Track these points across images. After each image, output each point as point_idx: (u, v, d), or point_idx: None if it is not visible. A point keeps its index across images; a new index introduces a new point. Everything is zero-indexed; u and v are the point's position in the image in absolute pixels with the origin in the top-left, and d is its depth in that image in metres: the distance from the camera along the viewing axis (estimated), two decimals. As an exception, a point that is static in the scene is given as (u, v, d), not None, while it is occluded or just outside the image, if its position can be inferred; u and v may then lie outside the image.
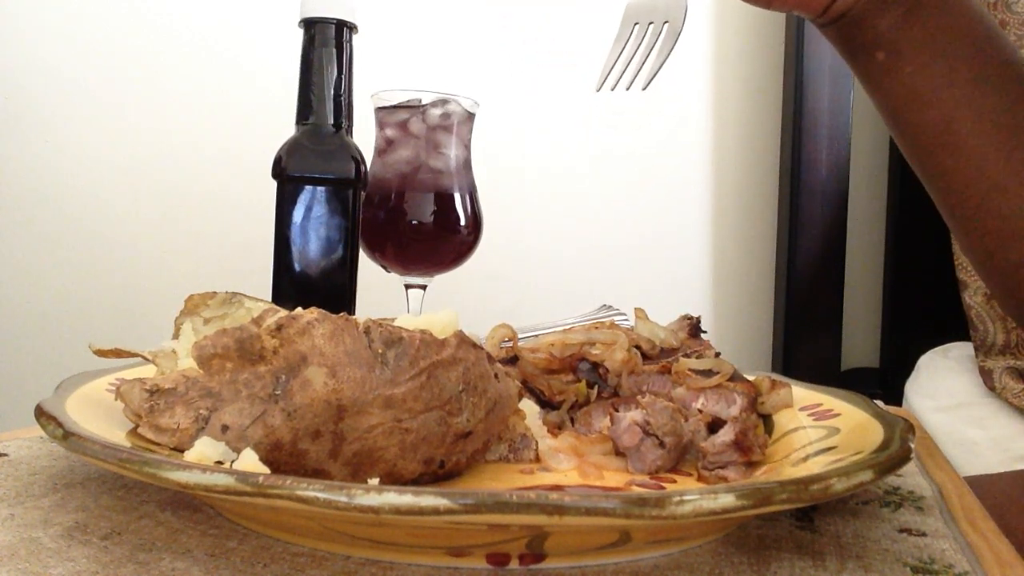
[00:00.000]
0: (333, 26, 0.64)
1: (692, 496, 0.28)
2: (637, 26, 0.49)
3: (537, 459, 0.43)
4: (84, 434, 0.33)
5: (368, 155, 0.72)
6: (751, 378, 0.51)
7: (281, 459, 0.34)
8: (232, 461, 0.34)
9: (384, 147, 0.76)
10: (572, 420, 0.49)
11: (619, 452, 0.44)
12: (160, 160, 1.19)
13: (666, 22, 0.49)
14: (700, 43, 1.24)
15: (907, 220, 1.19)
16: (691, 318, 0.55)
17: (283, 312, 0.36)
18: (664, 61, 0.48)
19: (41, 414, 0.35)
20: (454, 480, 0.39)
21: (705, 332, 0.56)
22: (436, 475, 0.38)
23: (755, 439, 0.43)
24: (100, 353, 0.43)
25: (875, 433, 0.39)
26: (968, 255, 0.55)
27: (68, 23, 1.18)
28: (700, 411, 0.46)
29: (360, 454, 0.35)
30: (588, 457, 0.43)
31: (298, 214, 0.63)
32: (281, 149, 0.64)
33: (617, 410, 0.44)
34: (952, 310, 1.03)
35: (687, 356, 0.51)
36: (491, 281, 1.13)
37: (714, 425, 0.45)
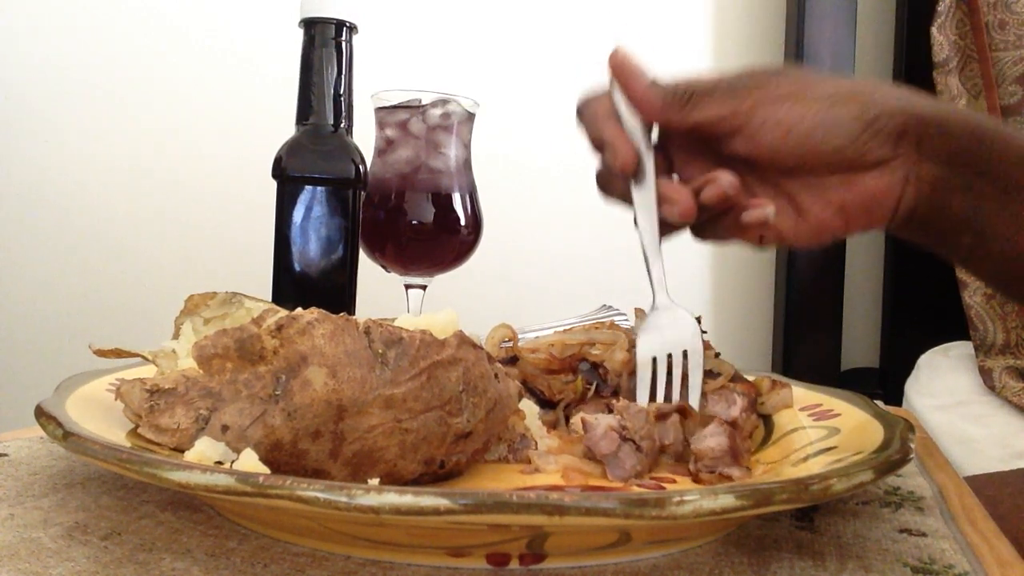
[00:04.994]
0: (333, 26, 0.64)
1: (692, 496, 0.28)
2: (656, 359, 0.49)
3: (528, 459, 0.43)
4: (84, 434, 0.33)
5: (368, 155, 0.72)
6: (751, 378, 0.51)
7: (281, 459, 0.34)
8: (232, 461, 0.34)
9: (384, 147, 0.76)
10: (567, 419, 0.49)
11: (595, 459, 0.42)
12: (160, 160, 1.19)
13: (684, 349, 0.48)
14: (700, 44, 1.24)
15: (907, 220, 1.19)
16: (691, 318, 0.55)
17: (283, 312, 0.36)
18: (701, 379, 0.47)
19: (41, 414, 0.35)
20: (454, 480, 0.39)
21: (705, 332, 0.56)
22: (436, 475, 0.38)
23: (742, 443, 0.43)
24: (100, 353, 0.43)
25: (875, 433, 0.39)
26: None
27: (68, 23, 1.18)
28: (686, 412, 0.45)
29: (360, 454, 0.35)
30: (572, 462, 0.42)
31: (298, 214, 0.63)
32: (281, 149, 0.64)
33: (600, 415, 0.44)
34: (952, 310, 1.02)
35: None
36: (491, 281, 1.13)
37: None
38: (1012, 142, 0.48)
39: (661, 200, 0.49)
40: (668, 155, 0.52)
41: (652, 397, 0.47)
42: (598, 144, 0.51)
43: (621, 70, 0.50)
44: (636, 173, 0.50)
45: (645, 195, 0.49)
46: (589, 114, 0.51)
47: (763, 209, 0.48)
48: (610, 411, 0.43)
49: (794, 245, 0.52)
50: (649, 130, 0.50)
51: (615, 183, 0.51)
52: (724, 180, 0.47)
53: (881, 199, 0.48)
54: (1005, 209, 0.47)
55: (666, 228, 0.50)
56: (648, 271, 0.50)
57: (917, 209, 0.49)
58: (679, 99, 0.48)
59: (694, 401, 0.46)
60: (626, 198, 0.51)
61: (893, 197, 0.48)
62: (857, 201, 0.49)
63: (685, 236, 0.53)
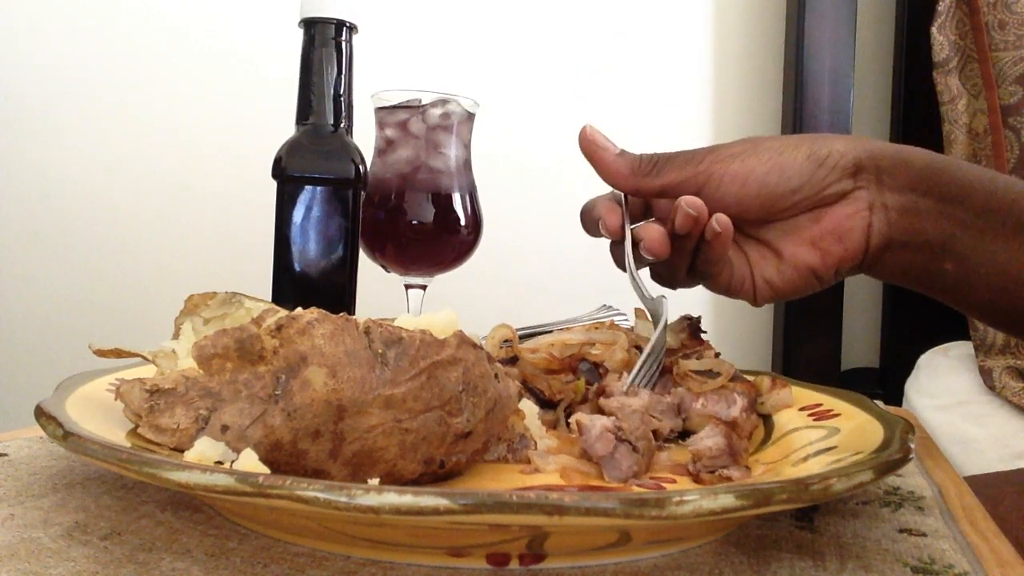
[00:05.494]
0: (333, 26, 0.64)
1: (692, 496, 0.28)
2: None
3: (527, 459, 0.43)
4: (84, 434, 0.33)
5: (368, 155, 0.72)
6: (751, 378, 0.52)
7: (281, 459, 0.34)
8: (232, 461, 0.34)
9: (384, 147, 0.76)
10: (567, 419, 0.49)
11: (591, 460, 0.42)
12: (160, 160, 1.19)
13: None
14: (700, 44, 1.24)
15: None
16: (691, 318, 0.55)
17: (283, 312, 0.36)
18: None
19: (41, 414, 0.35)
20: (454, 480, 0.39)
21: (705, 332, 0.56)
22: (436, 475, 0.38)
23: (738, 443, 0.43)
24: (100, 353, 0.43)
25: (875, 433, 0.39)
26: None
27: (68, 23, 1.18)
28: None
29: (360, 454, 0.35)
30: (571, 463, 0.42)
31: (298, 214, 0.63)
32: (281, 149, 0.64)
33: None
34: (952, 310, 1.02)
35: (687, 357, 0.51)
36: (491, 281, 1.13)
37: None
38: (973, 172, 0.51)
39: (635, 240, 0.53)
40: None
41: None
42: (592, 225, 0.56)
43: (589, 144, 0.54)
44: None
45: (626, 245, 0.54)
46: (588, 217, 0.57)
47: (713, 220, 0.51)
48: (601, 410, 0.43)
49: (785, 294, 0.54)
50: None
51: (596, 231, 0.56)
52: (684, 201, 0.50)
53: (850, 226, 0.51)
54: (983, 234, 0.49)
55: (645, 263, 0.54)
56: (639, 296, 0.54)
57: (892, 235, 0.51)
58: (645, 166, 0.53)
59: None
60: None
61: (862, 223, 0.51)
62: (827, 231, 0.52)
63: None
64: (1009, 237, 0.48)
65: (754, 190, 0.51)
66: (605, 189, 0.57)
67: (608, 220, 0.54)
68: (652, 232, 0.52)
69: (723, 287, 0.55)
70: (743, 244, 0.55)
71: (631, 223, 0.55)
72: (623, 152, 0.54)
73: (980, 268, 0.50)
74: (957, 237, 0.49)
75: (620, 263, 0.55)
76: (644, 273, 0.55)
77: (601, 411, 0.44)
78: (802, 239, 0.53)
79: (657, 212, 0.58)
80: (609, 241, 0.56)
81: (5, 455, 0.44)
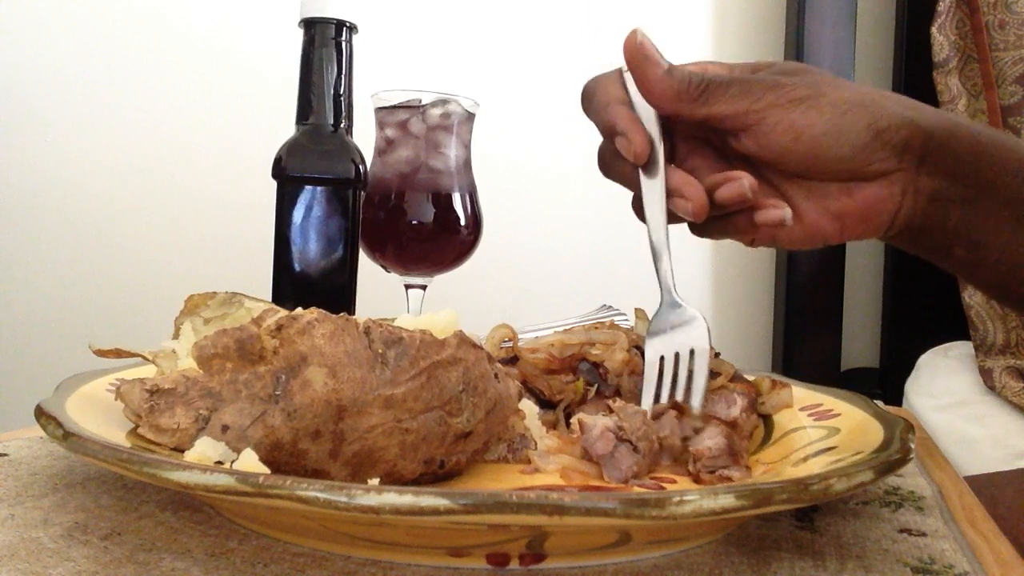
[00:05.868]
0: (333, 26, 0.64)
1: (692, 496, 0.28)
2: (664, 358, 0.48)
3: (528, 459, 0.43)
4: (84, 434, 0.33)
5: (368, 155, 0.72)
6: (751, 378, 0.51)
7: (281, 459, 0.34)
8: (232, 461, 0.34)
9: (384, 147, 0.76)
10: (568, 419, 0.49)
11: (591, 460, 0.42)
12: (160, 160, 1.19)
13: (692, 348, 0.47)
14: (700, 43, 1.24)
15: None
16: (691, 318, 0.55)
17: (283, 312, 0.36)
18: (707, 379, 0.47)
19: (41, 414, 0.35)
20: (454, 480, 0.39)
21: (705, 332, 0.55)
22: (436, 475, 0.38)
23: (739, 444, 0.43)
24: (100, 353, 0.43)
25: (875, 433, 0.39)
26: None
27: (68, 23, 1.18)
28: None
29: (360, 454, 0.35)
30: (571, 463, 0.42)
31: (298, 214, 0.63)
32: (281, 149, 0.64)
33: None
34: (952, 310, 1.02)
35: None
36: (491, 281, 1.13)
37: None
38: (1011, 154, 0.48)
39: (672, 193, 0.48)
40: (672, 142, 0.51)
41: (657, 399, 0.47)
42: (608, 130, 0.50)
43: (637, 55, 0.48)
44: (647, 163, 0.49)
45: (654, 187, 0.49)
46: (599, 100, 0.51)
47: (780, 210, 0.48)
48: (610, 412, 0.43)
49: (785, 247, 0.52)
50: (661, 118, 0.50)
51: (620, 166, 0.50)
52: (746, 182, 0.47)
53: (880, 209, 0.49)
54: (1002, 222, 0.48)
55: (670, 219, 0.49)
56: (656, 267, 0.49)
57: (914, 221, 0.49)
58: (693, 90, 0.48)
59: (697, 402, 0.46)
60: (629, 182, 0.51)
61: (891, 208, 0.49)
62: (855, 209, 0.49)
63: (685, 236, 0.53)
64: None
65: (805, 147, 0.47)
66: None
67: (634, 138, 0.48)
68: (694, 191, 0.47)
69: (727, 236, 0.52)
70: (760, 191, 0.50)
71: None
72: (672, 68, 0.48)
73: (990, 256, 0.49)
74: (976, 223, 0.48)
75: (615, 176, 0.50)
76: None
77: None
78: (826, 209, 0.49)
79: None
80: (601, 148, 0.51)
81: (5, 455, 0.44)
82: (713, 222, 0.50)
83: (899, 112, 0.47)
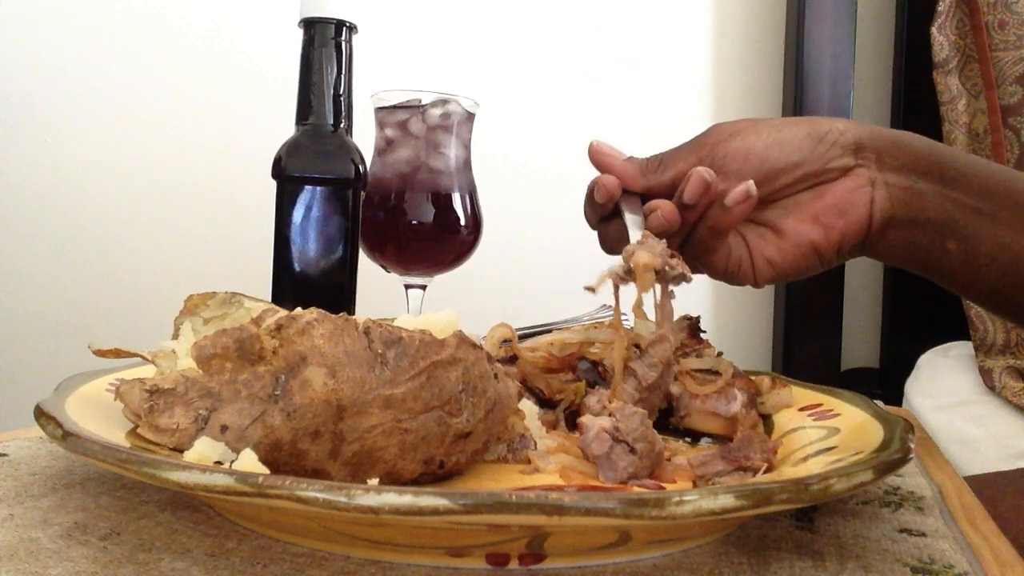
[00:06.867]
0: (333, 26, 0.64)
1: (692, 496, 0.28)
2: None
3: (528, 459, 0.43)
4: (84, 434, 0.33)
5: (368, 155, 0.72)
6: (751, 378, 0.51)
7: (281, 459, 0.34)
8: (232, 461, 0.34)
9: (384, 147, 0.76)
10: (567, 419, 0.49)
11: (590, 461, 0.42)
12: (160, 160, 1.19)
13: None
14: (700, 43, 1.24)
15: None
16: (691, 318, 0.55)
17: (283, 312, 0.36)
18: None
19: (41, 414, 0.35)
20: (454, 480, 0.39)
21: (705, 332, 0.56)
22: (436, 475, 0.38)
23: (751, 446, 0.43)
24: (100, 353, 0.43)
25: (875, 433, 0.39)
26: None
27: (68, 23, 1.18)
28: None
29: (360, 454, 0.35)
30: (571, 462, 0.42)
31: (298, 214, 0.63)
32: (281, 149, 0.64)
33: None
34: (952, 310, 1.02)
35: (687, 355, 0.51)
36: (491, 281, 1.13)
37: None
38: (970, 158, 0.52)
39: (647, 213, 0.53)
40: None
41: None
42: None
43: (598, 154, 0.56)
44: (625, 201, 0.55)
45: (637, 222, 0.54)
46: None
47: (744, 185, 0.51)
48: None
49: (786, 274, 0.55)
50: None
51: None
52: (702, 169, 0.51)
53: (853, 200, 0.52)
54: (983, 216, 0.50)
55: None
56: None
57: (894, 212, 0.51)
58: (653, 164, 0.55)
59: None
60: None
61: (865, 198, 0.52)
62: (830, 205, 0.52)
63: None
64: (1010, 219, 0.49)
65: (755, 165, 0.52)
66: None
67: (606, 182, 0.55)
68: (663, 203, 0.52)
69: (720, 270, 0.56)
70: (740, 227, 0.55)
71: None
72: (631, 157, 0.56)
73: (983, 247, 0.50)
74: (958, 218, 0.50)
75: (610, 246, 0.57)
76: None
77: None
78: (804, 215, 0.53)
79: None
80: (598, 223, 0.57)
81: (5, 455, 0.44)
82: (695, 232, 0.54)
83: (839, 122, 0.52)
